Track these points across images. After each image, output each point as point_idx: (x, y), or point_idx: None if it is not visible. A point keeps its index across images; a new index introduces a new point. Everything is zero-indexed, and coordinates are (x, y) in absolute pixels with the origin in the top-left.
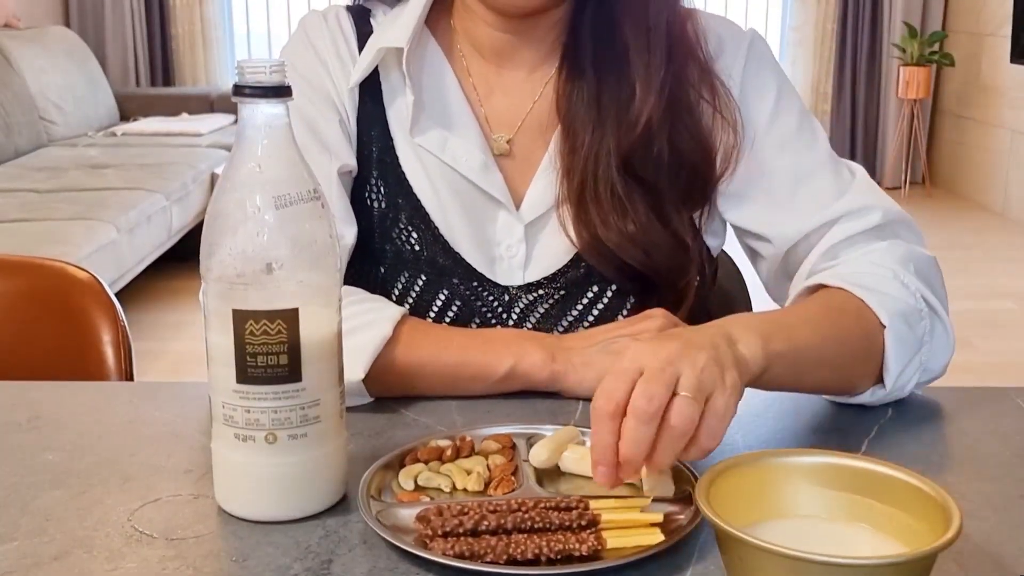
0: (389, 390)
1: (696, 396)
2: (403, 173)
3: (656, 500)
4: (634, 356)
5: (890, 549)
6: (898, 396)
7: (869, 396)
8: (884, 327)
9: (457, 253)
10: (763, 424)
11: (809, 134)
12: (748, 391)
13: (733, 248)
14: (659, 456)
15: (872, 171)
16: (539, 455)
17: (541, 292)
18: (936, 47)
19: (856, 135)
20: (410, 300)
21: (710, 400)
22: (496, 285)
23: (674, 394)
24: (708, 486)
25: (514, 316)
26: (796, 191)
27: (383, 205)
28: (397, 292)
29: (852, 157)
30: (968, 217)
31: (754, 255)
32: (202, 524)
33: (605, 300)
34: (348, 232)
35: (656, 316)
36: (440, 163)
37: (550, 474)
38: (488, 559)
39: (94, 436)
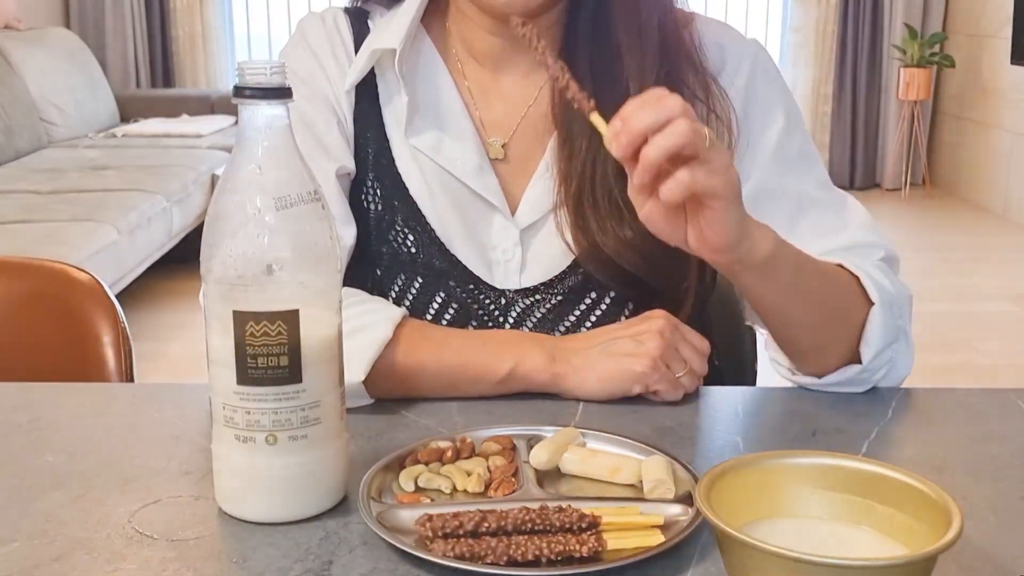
0: (389, 391)
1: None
2: (399, 175)
3: (656, 501)
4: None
5: (891, 550)
6: (865, 382)
7: (838, 375)
8: (872, 304)
9: (453, 256)
10: (763, 425)
11: (811, 162)
12: (748, 392)
13: None
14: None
15: (872, 173)
16: (539, 456)
17: (538, 297)
18: (936, 49)
19: (856, 136)
20: (407, 302)
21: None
22: (493, 288)
23: None
24: (709, 487)
25: (511, 320)
26: (798, 220)
27: (379, 207)
28: (394, 294)
29: (852, 159)
30: (968, 219)
31: None
32: (202, 525)
33: (603, 306)
34: (347, 234)
35: (657, 317)
36: (436, 166)
37: (550, 476)
38: (488, 560)
39: (94, 438)
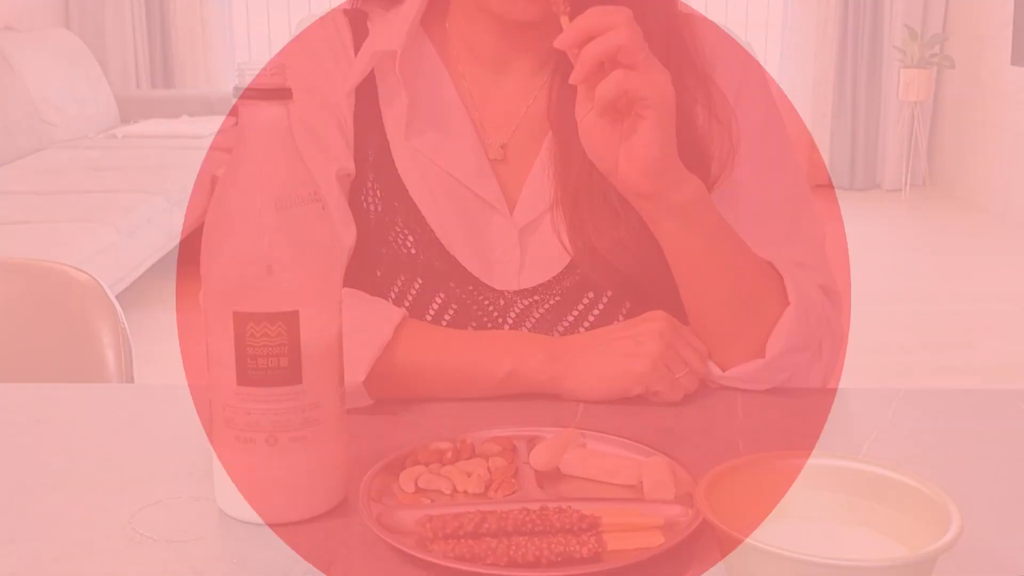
0: (389, 392)
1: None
2: (399, 176)
3: (657, 502)
4: None
5: (891, 551)
6: (766, 380)
7: (741, 369)
8: (789, 304)
9: (453, 257)
10: (763, 427)
11: (781, 172)
12: (748, 392)
13: None
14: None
15: (872, 173)
16: (540, 457)
17: (536, 297)
18: (936, 49)
19: (857, 137)
20: (407, 303)
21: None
22: (492, 289)
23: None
24: (709, 488)
25: (510, 320)
26: (749, 224)
27: (379, 208)
28: (394, 295)
29: (852, 159)
30: (969, 219)
31: None
32: (202, 526)
33: (600, 307)
34: (347, 234)
35: (657, 318)
36: (436, 167)
37: (551, 477)
38: (489, 561)
39: (94, 438)
